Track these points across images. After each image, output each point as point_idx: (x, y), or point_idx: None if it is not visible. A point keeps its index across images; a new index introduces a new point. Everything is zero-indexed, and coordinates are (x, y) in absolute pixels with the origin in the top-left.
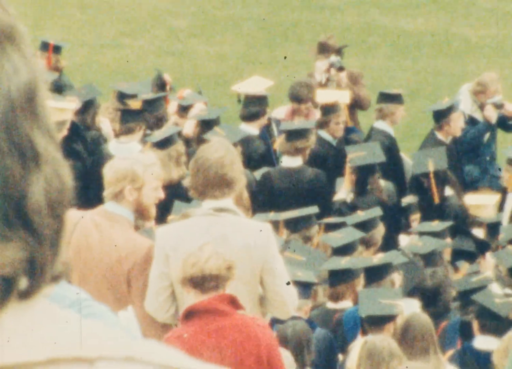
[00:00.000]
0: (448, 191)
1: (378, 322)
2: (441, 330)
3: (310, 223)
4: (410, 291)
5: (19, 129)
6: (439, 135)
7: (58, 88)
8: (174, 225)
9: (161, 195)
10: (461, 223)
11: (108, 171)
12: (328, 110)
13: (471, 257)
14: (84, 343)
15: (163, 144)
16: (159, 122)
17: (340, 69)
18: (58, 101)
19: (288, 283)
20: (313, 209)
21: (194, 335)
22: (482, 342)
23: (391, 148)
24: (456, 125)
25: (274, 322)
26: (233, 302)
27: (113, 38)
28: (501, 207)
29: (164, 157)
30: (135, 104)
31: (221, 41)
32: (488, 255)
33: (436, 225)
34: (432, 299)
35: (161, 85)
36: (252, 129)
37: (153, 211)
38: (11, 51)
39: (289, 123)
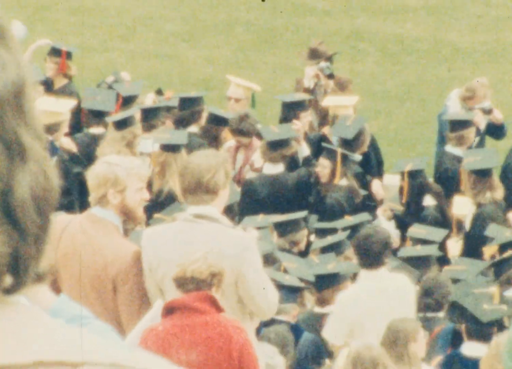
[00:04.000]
0: (430, 201)
1: None
2: (434, 336)
3: (298, 227)
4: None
5: (5, 124)
6: None
7: (65, 95)
8: (158, 228)
9: (146, 195)
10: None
11: (90, 177)
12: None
13: None
14: (70, 348)
15: (121, 124)
16: (193, 117)
17: (330, 76)
18: (52, 104)
19: (265, 288)
20: (302, 213)
21: (168, 329)
22: (469, 348)
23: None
24: None
25: (262, 325)
26: (213, 302)
27: (102, 41)
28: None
29: (118, 138)
30: (168, 95)
31: (210, 45)
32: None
33: (430, 232)
34: (430, 290)
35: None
36: None
37: (140, 213)
38: None
39: (271, 132)
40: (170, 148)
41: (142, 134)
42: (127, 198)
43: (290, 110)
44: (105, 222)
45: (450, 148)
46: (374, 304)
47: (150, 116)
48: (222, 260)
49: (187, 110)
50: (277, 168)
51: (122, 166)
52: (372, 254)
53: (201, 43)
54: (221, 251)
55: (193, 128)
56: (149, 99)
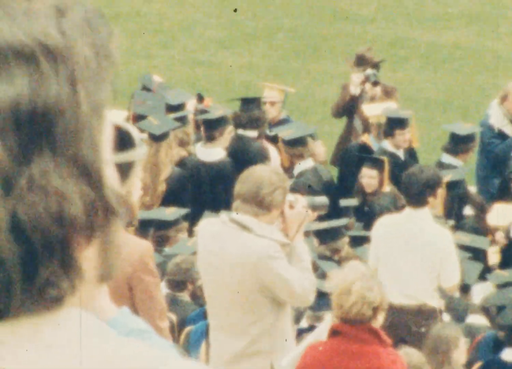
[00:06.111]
0: (469, 211)
1: None
2: (476, 343)
3: (339, 235)
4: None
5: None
6: None
7: None
8: (206, 222)
9: (140, 192)
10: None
11: None
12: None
13: None
14: (114, 361)
15: (159, 138)
16: (254, 122)
17: (375, 83)
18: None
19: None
20: (343, 221)
21: (328, 351)
22: (509, 354)
23: None
24: None
25: (301, 331)
26: (376, 334)
27: (144, 48)
28: None
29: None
30: (207, 103)
31: (252, 53)
32: None
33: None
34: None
35: (147, 88)
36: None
37: (137, 208)
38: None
39: (284, 131)
40: (153, 137)
41: (201, 142)
42: (132, 197)
43: (390, 126)
44: None
45: None
46: (394, 237)
47: (212, 127)
48: (243, 266)
49: (254, 111)
50: (306, 164)
51: None
52: (411, 193)
53: (242, 50)
54: (240, 257)
55: (253, 133)
56: (190, 105)
